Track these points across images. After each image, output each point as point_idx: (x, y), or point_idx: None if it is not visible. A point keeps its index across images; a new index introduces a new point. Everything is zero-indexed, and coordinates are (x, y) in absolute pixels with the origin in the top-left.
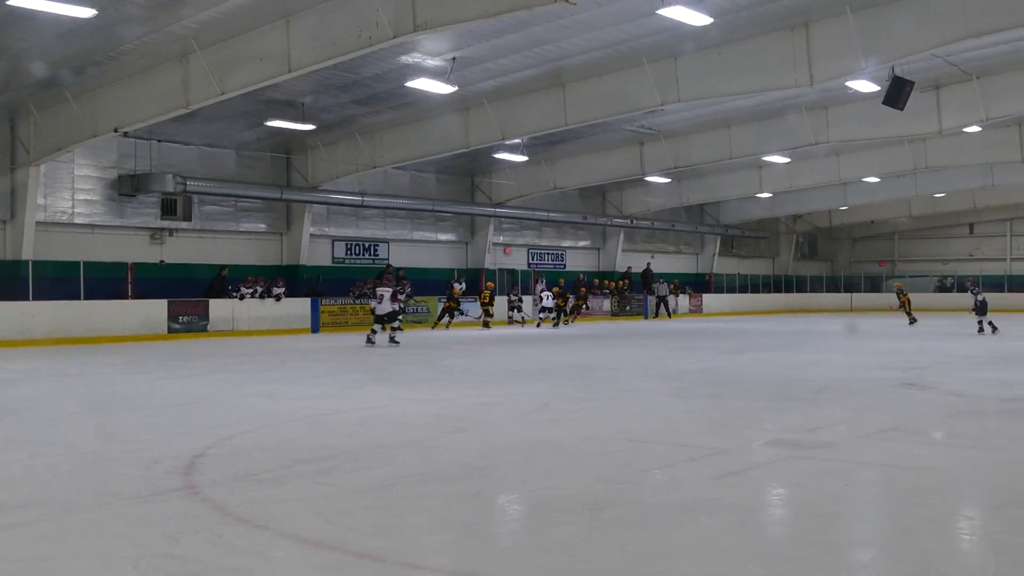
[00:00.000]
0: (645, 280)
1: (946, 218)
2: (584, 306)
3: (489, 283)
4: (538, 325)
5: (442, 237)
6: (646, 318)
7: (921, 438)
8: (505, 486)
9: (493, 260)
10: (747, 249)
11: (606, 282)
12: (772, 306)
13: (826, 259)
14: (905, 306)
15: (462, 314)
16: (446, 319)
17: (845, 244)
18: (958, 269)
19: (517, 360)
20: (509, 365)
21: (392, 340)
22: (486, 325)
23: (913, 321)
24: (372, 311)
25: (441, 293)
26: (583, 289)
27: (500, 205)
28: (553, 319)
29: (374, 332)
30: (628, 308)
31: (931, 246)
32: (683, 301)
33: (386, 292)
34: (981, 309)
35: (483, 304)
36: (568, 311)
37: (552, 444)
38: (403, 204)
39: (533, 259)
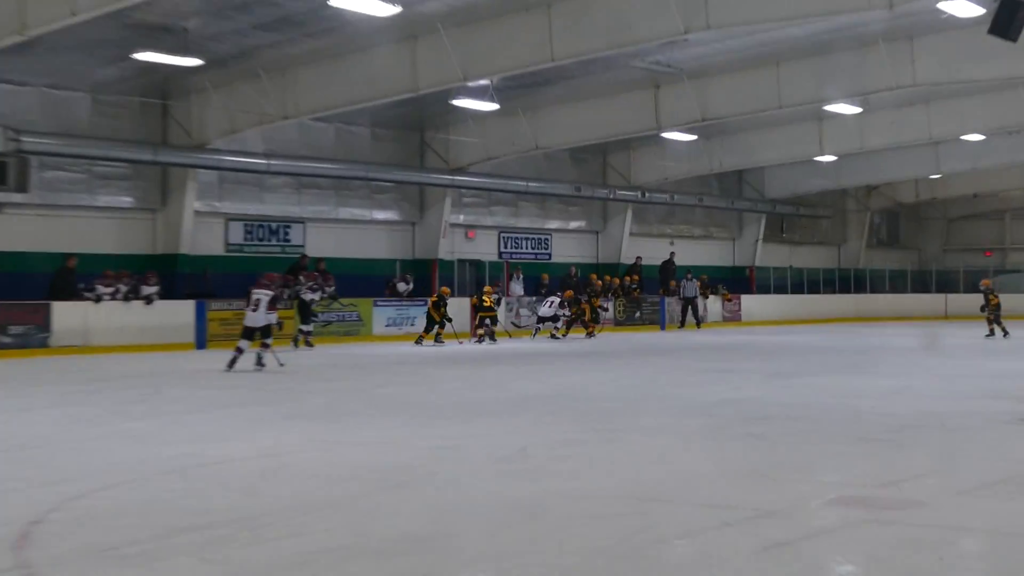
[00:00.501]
0: (665, 276)
1: None
2: (602, 308)
3: (487, 287)
4: (533, 336)
5: (380, 216)
6: (663, 328)
7: None
8: (466, 563)
9: (450, 247)
10: (803, 233)
11: (607, 278)
12: (837, 311)
13: (911, 247)
14: (991, 312)
15: (449, 322)
16: (436, 330)
17: (937, 227)
18: None
19: (484, 386)
20: (473, 394)
21: (258, 363)
22: (492, 337)
23: (991, 334)
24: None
25: (378, 293)
26: (598, 284)
27: (460, 171)
28: (553, 329)
29: (240, 351)
30: (638, 315)
31: None
32: (714, 305)
33: (264, 297)
34: None
35: (483, 309)
36: (581, 321)
37: (532, 505)
38: (326, 169)
39: (506, 246)
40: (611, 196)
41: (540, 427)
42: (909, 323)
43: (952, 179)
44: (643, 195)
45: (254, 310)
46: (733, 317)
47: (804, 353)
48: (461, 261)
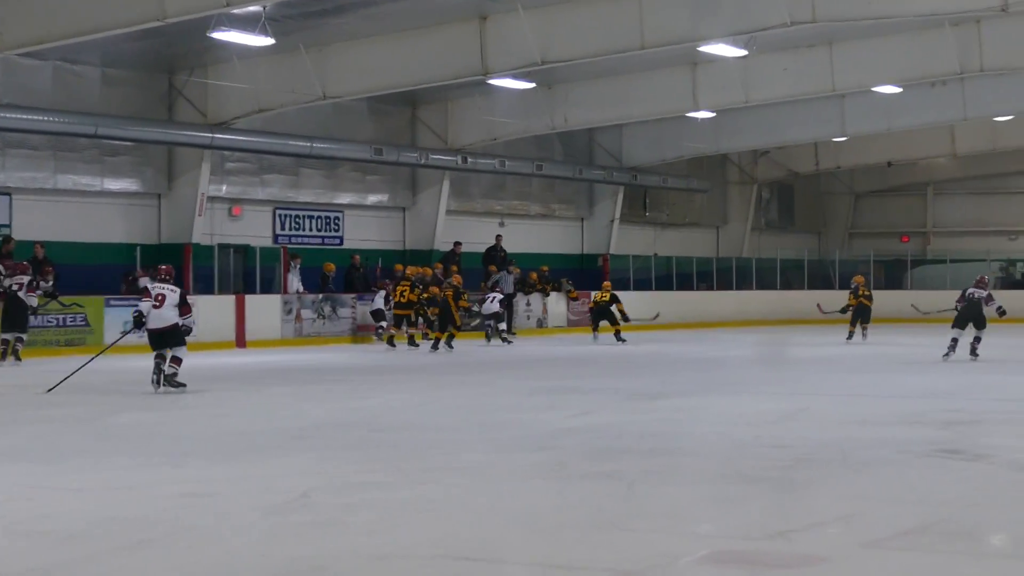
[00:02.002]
0: (490, 266)
1: (1013, 160)
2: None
3: (411, 270)
4: (489, 339)
5: (114, 186)
6: (489, 338)
7: (971, 545)
8: None
9: (209, 228)
10: (672, 212)
11: (418, 270)
12: (715, 313)
13: (809, 230)
14: (853, 312)
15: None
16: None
17: (842, 204)
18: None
19: (254, 414)
20: (239, 423)
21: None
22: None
23: (851, 335)
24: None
25: (112, 289)
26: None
27: (223, 127)
28: (490, 331)
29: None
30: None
31: (988, 208)
32: (556, 305)
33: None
34: None
35: (401, 304)
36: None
37: (316, 567)
38: (39, 123)
39: (284, 227)
40: (422, 161)
41: (327, 466)
42: (807, 327)
43: (861, 143)
44: (464, 160)
45: (157, 306)
46: (581, 320)
47: (673, 367)
48: (223, 247)
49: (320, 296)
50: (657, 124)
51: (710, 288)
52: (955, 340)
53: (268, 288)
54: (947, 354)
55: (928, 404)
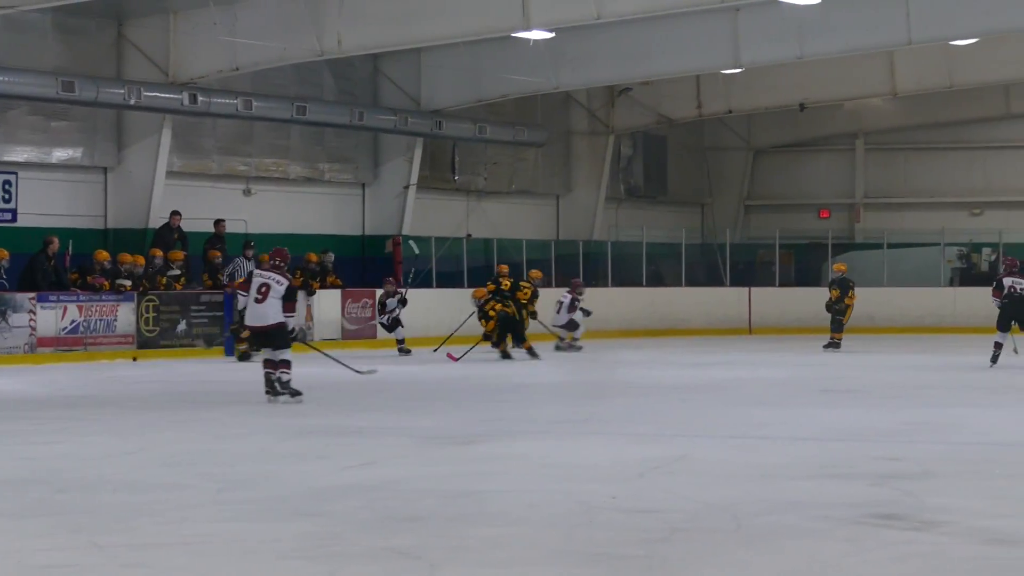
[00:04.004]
0: (207, 258)
1: (975, 102)
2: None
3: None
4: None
5: None
6: (229, 352)
7: None
8: None
9: None
10: (494, 177)
11: (128, 259)
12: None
13: (689, 200)
14: (840, 312)
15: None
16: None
17: (736, 164)
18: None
19: None
20: None
21: (274, 390)
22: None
23: (831, 344)
24: None
25: None
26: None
27: None
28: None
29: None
30: (183, 326)
31: (941, 170)
32: (326, 304)
33: (273, 283)
34: None
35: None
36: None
37: None
38: None
39: None
40: (132, 101)
41: None
42: (685, 340)
43: (763, 77)
44: (193, 100)
45: (259, 300)
46: (362, 331)
47: (488, 397)
48: None
49: None
50: (471, 50)
51: (548, 284)
52: (999, 345)
53: None
54: (993, 365)
55: (857, 449)
